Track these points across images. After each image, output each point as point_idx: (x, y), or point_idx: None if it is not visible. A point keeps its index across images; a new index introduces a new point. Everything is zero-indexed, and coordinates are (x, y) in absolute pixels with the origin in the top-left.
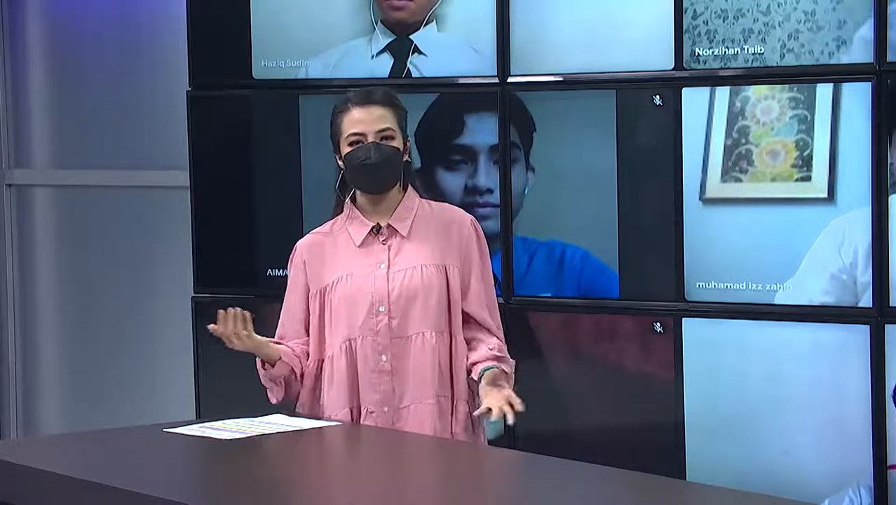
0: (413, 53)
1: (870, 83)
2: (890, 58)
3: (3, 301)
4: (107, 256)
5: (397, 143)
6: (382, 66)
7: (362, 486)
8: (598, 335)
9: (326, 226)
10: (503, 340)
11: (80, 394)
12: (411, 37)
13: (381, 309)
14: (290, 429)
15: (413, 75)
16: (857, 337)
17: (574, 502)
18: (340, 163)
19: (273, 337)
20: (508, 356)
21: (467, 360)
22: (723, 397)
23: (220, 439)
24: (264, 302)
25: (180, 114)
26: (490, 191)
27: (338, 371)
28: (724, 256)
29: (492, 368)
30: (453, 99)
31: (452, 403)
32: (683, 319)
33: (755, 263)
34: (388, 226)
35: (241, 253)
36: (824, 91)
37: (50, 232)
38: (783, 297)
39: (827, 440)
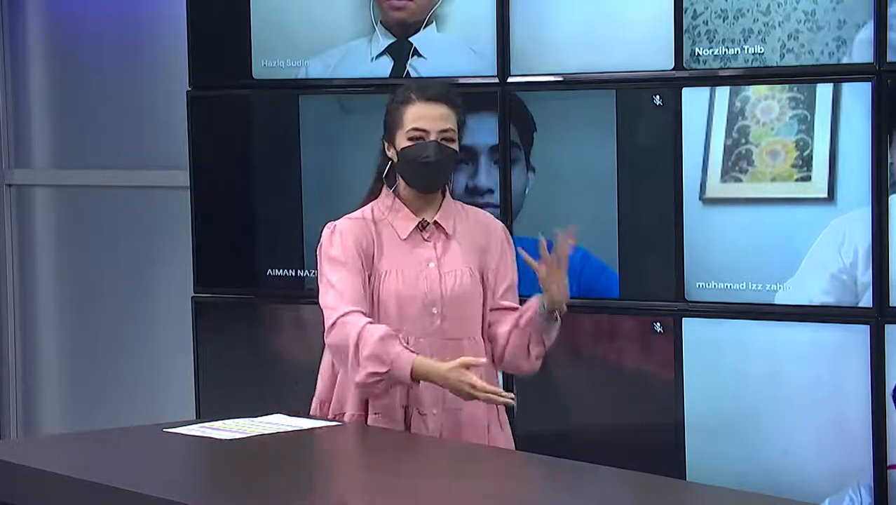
0: (413, 56)
1: (870, 83)
2: (890, 58)
3: (3, 301)
4: (107, 255)
5: (455, 146)
6: (383, 68)
7: (362, 486)
8: (598, 335)
9: (365, 211)
10: None
11: (80, 394)
12: (411, 38)
13: (435, 311)
14: (290, 429)
15: (412, 76)
16: (857, 337)
17: (574, 502)
18: (389, 151)
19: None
20: None
21: (499, 335)
22: (723, 397)
23: (220, 439)
24: (264, 302)
25: (180, 114)
26: (490, 191)
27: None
28: (724, 256)
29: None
30: (460, 100)
31: (496, 407)
32: (683, 319)
33: (755, 263)
34: (435, 223)
35: (241, 253)
36: (824, 91)
37: (50, 232)
38: (783, 297)
39: (827, 440)
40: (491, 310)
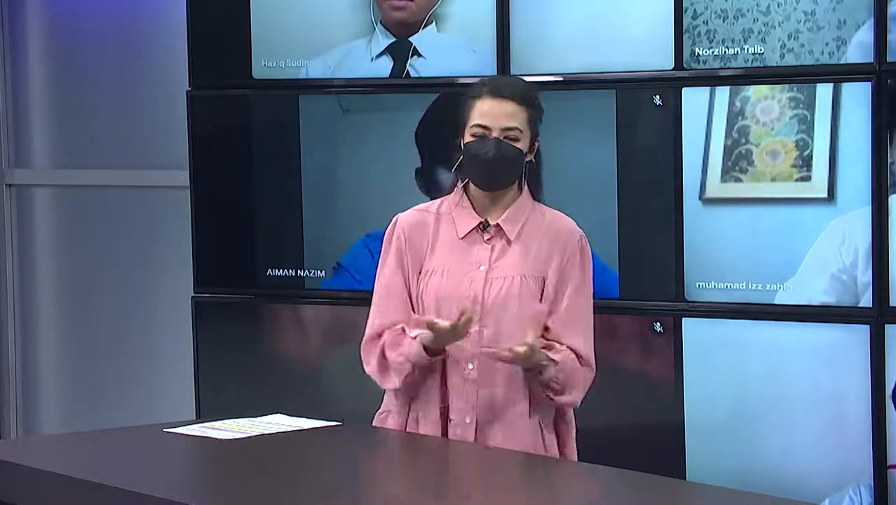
0: (412, 56)
1: (870, 83)
2: (890, 58)
3: (3, 301)
4: (107, 256)
5: (522, 144)
6: (383, 68)
7: (362, 486)
8: (598, 335)
9: (433, 205)
10: (590, 362)
11: (80, 394)
12: (411, 38)
13: (475, 318)
14: (290, 429)
15: (412, 76)
16: (857, 337)
17: (574, 502)
18: (462, 145)
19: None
20: (581, 370)
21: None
22: (723, 397)
23: (220, 439)
24: (264, 302)
25: (180, 114)
26: None
27: (430, 373)
28: (724, 256)
29: (548, 355)
30: (455, 98)
31: (542, 423)
32: (683, 319)
33: (755, 263)
34: (497, 225)
35: (241, 253)
36: (824, 91)
37: (50, 232)
38: (783, 297)
39: (827, 440)
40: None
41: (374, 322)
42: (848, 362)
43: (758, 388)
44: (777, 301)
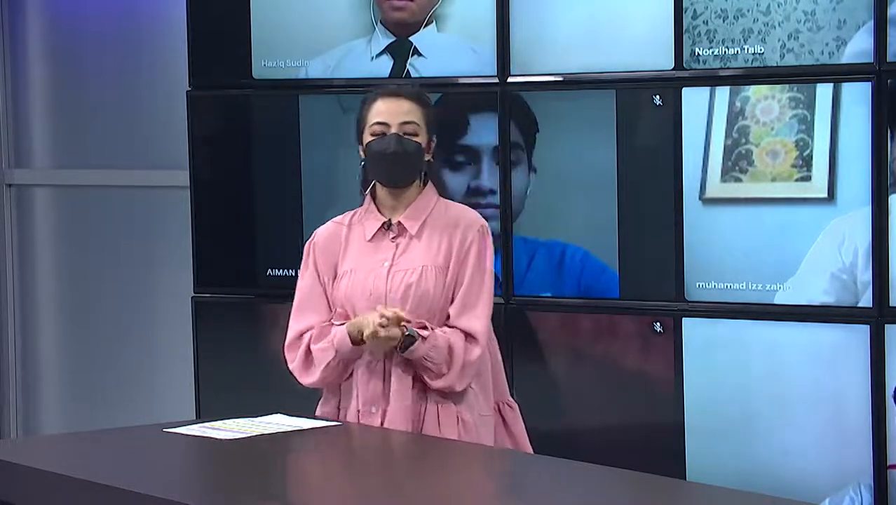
0: (412, 55)
1: (870, 83)
2: (890, 58)
3: (3, 301)
4: (107, 256)
5: (420, 139)
6: (382, 67)
7: (362, 486)
8: (598, 335)
9: (346, 216)
10: (479, 340)
11: (80, 394)
12: (411, 38)
13: (378, 307)
14: (290, 429)
15: (412, 76)
16: (857, 337)
17: (574, 502)
18: (363, 153)
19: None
20: (465, 351)
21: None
22: (723, 397)
23: (220, 439)
24: (264, 302)
25: (180, 114)
26: (493, 192)
27: (350, 365)
28: (724, 256)
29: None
30: (456, 99)
31: (438, 407)
32: (683, 319)
33: (755, 263)
34: (399, 223)
35: (241, 253)
36: (824, 91)
37: (50, 232)
38: (783, 297)
39: (827, 440)
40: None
41: (295, 326)
42: (848, 362)
43: (758, 388)
44: (777, 301)
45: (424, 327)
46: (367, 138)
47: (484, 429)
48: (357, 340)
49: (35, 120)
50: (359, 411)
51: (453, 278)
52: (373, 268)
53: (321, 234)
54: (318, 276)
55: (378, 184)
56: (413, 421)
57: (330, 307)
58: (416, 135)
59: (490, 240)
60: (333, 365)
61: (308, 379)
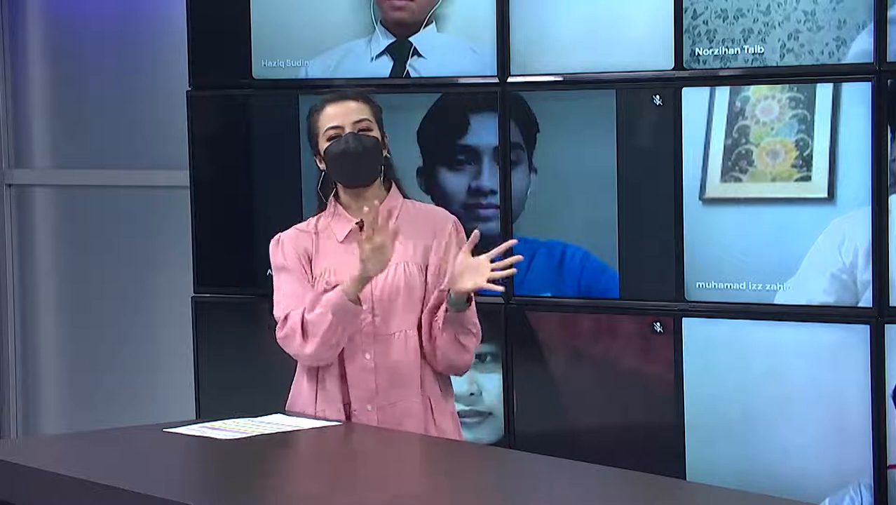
0: (412, 56)
1: (870, 83)
2: (890, 58)
3: (3, 301)
4: (107, 255)
5: (375, 134)
6: (382, 68)
7: (362, 486)
8: (598, 335)
9: (309, 222)
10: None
11: (80, 394)
12: (411, 38)
13: (365, 307)
14: (290, 429)
15: (412, 76)
16: (857, 337)
17: (574, 502)
18: (320, 163)
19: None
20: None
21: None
22: (723, 397)
23: (220, 439)
24: (264, 302)
25: (180, 114)
26: (493, 192)
27: (329, 368)
28: (724, 256)
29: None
30: (456, 99)
31: (432, 399)
32: (683, 318)
33: (755, 263)
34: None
35: (241, 253)
36: (824, 91)
37: (50, 232)
38: (783, 297)
39: (827, 440)
40: (428, 309)
41: (282, 312)
42: (848, 362)
43: (758, 388)
44: (777, 301)
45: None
46: (324, 144)
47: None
48: (353, 298)
49: (35, 120)
50: (353, 410)
51: (436, 272)
52: (353, 268)
53: (287, 235)
54: (294, 266)
55: (341, 187)
56: (411, 417)
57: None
58: (370, 130)
59: (463, 234)
60: (331, 329)
61: (307, 348)
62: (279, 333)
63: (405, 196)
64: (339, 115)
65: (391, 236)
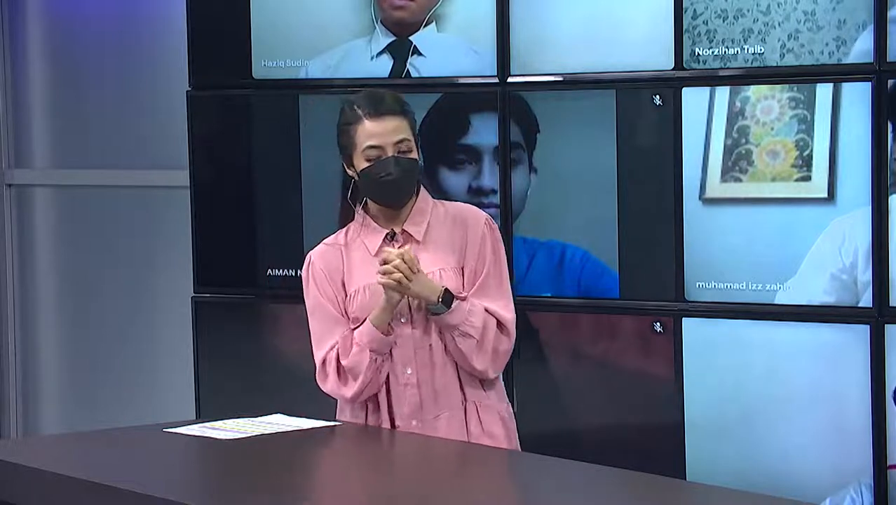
0: (412, 55)
1: (870, 83)
2: (890, 58)
3: (3, 301)
4: (107, 255)
5: (414, 154)
6: (382, 67)
7: (362, 486)
8: (598, 335)
9: (339, 236)
10: (511, 330)
11: (80, 394)
12: (411, 37)
13: (403, 320)
14: (290, 429)
15: (412, 76)
16: (857, 337)
17: (574, 502)
18: (352, 173)
19: None
20: (498, 334)
21: None
22: (723, 397)
23: (220, 439)
24: (264, 302)
25: (180, 114)
26: (494, 192)
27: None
28: (724, 256)
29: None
30: (456, 99)
31: (477, 404)
32: (683, 319)
33: (755, 263)
34: (403, 231)
35: (241, 253)
36: (824, 91)
37: (50, 232)
38: (783, 297)
39: (827, 440)
40: None
41: (319, 353)
42: (848, 362)
43: (758, 388)
44: (777, 301)
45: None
46: (362, 164)
47: (513, 423)
48: (384, 328)
49: (35, 120)
50: (398, 427)
51: (472, 274)
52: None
53: (318, 255)
54: (327, 296)
55: (376, 204)
56: (454, 427)
57: (348, 319)
58: (410, 151)
59: (497, 230)
60: (372, 365)
61: (350, 391)
62: (318, 379)
63: (432, 197)
64: (379, 135)
65: (411, 272)
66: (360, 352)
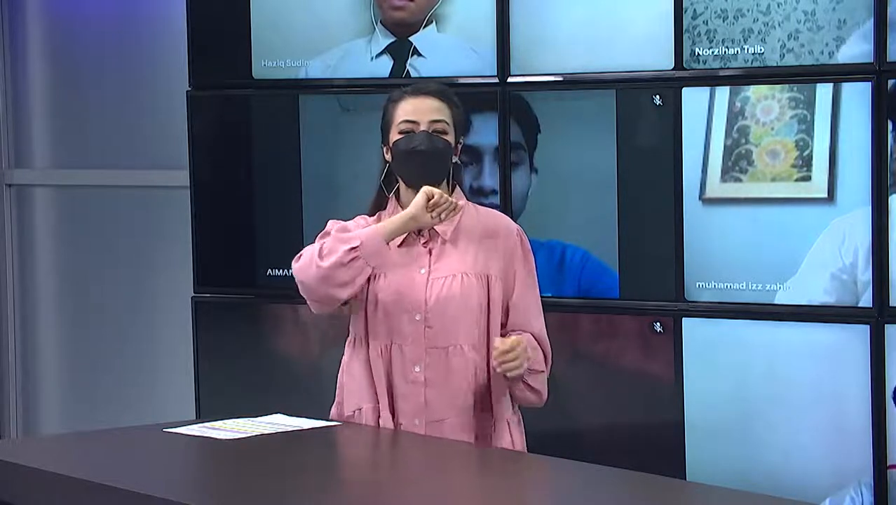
0: (412, 55)
1: (870, 83)
2: (890, 58)
3: (3, 301)
4: (107, 255)
5: (450, 138)
6: (382, 67)
7: (361, 486)
8: (598, 335)
9: (370, 220)
10: (547, 345)
11: (80, 394)
12: (411, 38)
13: (418, 317)
14: (290, 429)
15: (412, 76)
16: (857, 337)
17: (574, 502)
18: (387, 154)
19: None
20: (543, 351)
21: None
22: (723, 397)
23: (220, 439)
24: (264, 302)
25: (180, 114)
26: (495, 192)
27: (377, 376)
28: (724, 256)
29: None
30: (459, 99)
31: (492, 420)
32: (683, 319)
33: (755, 263)
34: (431, 228)
35: (241, 253)
36: (824, 91)
37: (50, 232)
38: (783, 297)
39: (827, 440)
40: (508, 323)
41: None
42: (848, 362)
43: (758, 388)
44: (777, 301)
45: (506, 336)
46: (395, 137)
47: (521, 431)
48: (385, 236)
49: (35, 120)
50: (400, 424)
51: (502, 288)
52: (409, 274)
53: (356, 222)
54: (348, 228)
55: (404, 186)
56: (467, 433)
57: (366, 301)
58: (445, 133)
59: (528, 242)
60: (350, 254)
61: (314, 268)
62: (294, 265)
63: (468, 199)
64: (416, 111)
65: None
66: (347, 240)
